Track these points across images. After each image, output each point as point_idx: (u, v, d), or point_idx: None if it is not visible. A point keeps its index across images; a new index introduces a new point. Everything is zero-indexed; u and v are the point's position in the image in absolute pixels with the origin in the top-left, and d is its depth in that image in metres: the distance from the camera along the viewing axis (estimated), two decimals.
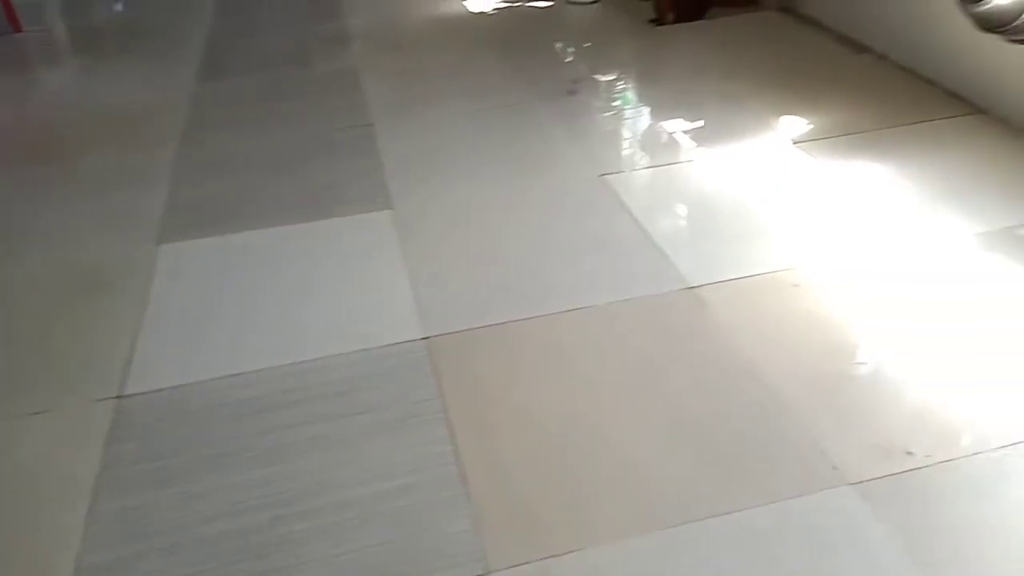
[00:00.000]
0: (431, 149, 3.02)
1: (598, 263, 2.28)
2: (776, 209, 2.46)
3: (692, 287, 2.14)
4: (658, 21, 4.05)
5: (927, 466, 1.56)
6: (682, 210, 2.58)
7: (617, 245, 2.36)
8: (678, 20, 4.03)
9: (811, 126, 2.92)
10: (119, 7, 5.47)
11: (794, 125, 2.95)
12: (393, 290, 2.22)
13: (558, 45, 4.05)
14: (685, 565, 1.42)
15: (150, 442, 1.79)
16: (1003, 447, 1.59)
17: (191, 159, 3.12)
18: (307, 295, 2.25)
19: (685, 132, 3.01)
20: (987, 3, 2.64)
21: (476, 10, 4.63)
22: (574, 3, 4.50)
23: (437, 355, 1.96)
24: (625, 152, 2.95)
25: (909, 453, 1.60)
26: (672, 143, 2.95)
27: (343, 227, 2.57)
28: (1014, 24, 2.63)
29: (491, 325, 2.05)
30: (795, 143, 2.82)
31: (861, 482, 1.54)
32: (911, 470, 1.56)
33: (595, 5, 4.47)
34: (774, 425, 1.70)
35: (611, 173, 2.74)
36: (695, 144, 2.91)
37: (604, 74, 3.64)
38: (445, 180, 2.79)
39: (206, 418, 1.84)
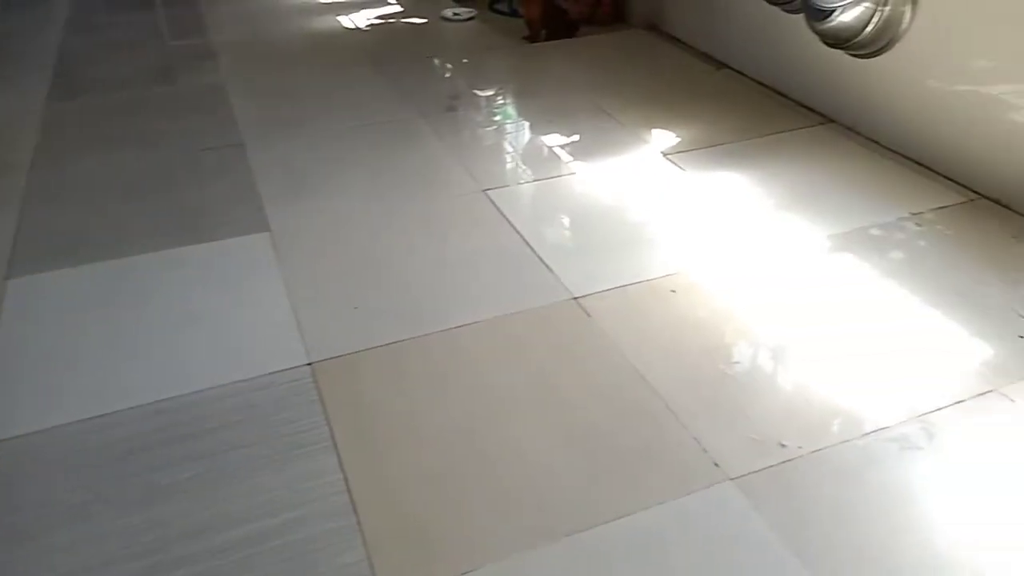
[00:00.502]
0: (307, 168, 2.94)
1: (485, 278, 2.29)
2: (651, 219, 2.56)
3: (577, 297, 2.18)
4: (531, 38, 4.14)
5: (799, 457, 1.66)
6: (564, 223, 2.63)
7: (502, 259, 2.38)
8: (550, 38, 4.13)
9: (679, 139, 3.06)
10: None
11: (663, 138, 3.08)
12: (274, 315, 2.14)
13: (435, 61, 4.05)
14: (582, 574, 1.44)
15: (5, 495, 1.63)
16: (867, 434, 1.71)
17: (44, 185, 2.90)
18: (180, 325, 2.13)
19: (563, 146, 3.08)
20: (832, 20, 2.86)
21: (349, 26, 4.57)
22: (449, 20, 4.53)
23: (323, 381, 1.90)
24: (506, 167, 2.98)
25: (782, 445, 1.69)
26: (551, 157, 3.01)
27: (216, 252, 2.45)
28: (857, 40, 2.87)
29: (378, 346, 2.01)
30: (665, 155, 2.95)
31: (741, 476, 1.62)
32: (785, 462, 1.65)
33: (470, 22, 4.51)
34: (660, 427, 1.75)
35: (494, 188, 2.76)
36: (573, 158, 2.98)
37: (482, 90, 3.68)
38: (324, 200, 2.72)
39: (69, 465, 1.70)
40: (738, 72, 3.61)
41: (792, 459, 1.66)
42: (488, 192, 2.73)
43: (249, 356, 1.99)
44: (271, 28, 4.59)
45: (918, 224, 2.45)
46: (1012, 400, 1.77)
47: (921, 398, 1.80)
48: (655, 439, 1.72)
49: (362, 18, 4.66)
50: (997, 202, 2.53)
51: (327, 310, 2.16)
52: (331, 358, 1.97)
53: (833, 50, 2.94)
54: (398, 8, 4.84)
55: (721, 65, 3.70)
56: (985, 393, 1.80)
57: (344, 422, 1.78)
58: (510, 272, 2.32)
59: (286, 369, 1.94)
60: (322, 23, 4.64)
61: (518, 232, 2.50)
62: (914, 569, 1.42)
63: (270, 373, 1.93)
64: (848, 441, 1.69)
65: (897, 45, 2.79)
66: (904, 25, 2.73)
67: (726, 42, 3.70)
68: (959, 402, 1.78)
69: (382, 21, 4.63)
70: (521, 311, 2.14)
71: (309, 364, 1.96)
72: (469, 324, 2.08)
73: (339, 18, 4.68)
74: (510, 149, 3.19)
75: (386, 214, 2.63)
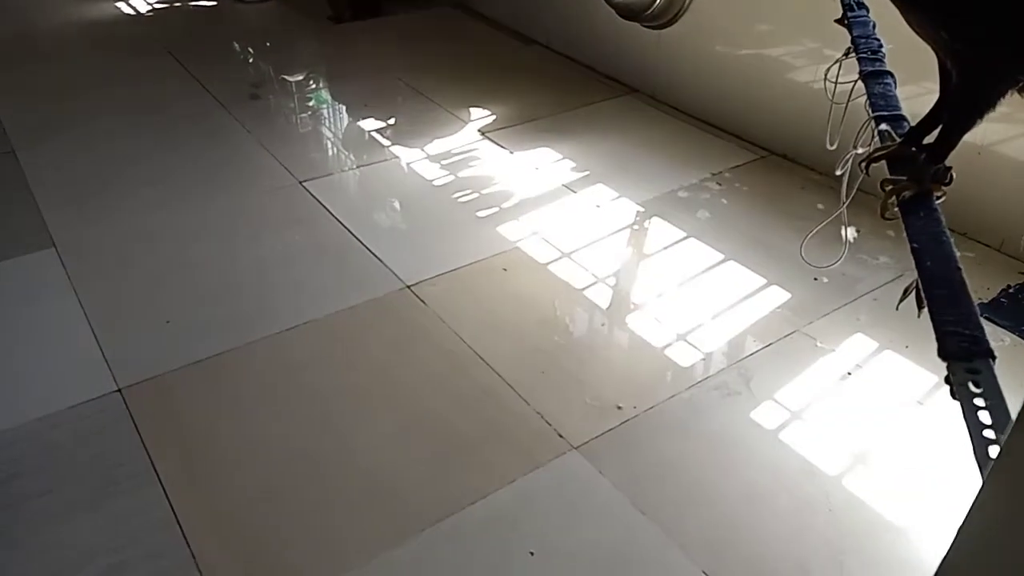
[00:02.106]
0: (94, 173, 2.66)
1: (310, 275, 2.19)
2: (476, 199, 2.56)
3: (410, 286, 2.14)
4: (336, 18, 3.98)
5: (635, 417, 1.74)
6: (389, 209, 2.57)
7: (327, 253, 2.29)
8: (356, 17, 4.00)
9: (495, 116, 3.08)
10: None
11: (480, 116, 3.09)
12: (71, 341, 1.93)
13: (233, 46, 3.80)
14: (444, 565, 1.43)
15: None
16: (693, 386, 1.82)
17: None
18: None
19: (380, 130, 3.00)
20: None
21: (130, 12, 4.17)
22: (242, 2, 4.25)
23: (136, 407, 1.74)
24: (323, 155, 2.86)
25: (619, 408, 1.76)
26: (369, 142, 2.93)
27: None
28: (649, 12, 3.02)
29: (196, 362, 1.87)
30: (483, 133, 2.96)
31: (584, 444, 1.67)
32: (623, 423, 1.73)
33: (265, 3, 4.26)
34: (504, 406, 1.77)
35: (311, 179, 2.64)
36: (392, 142, 2.91)
37: (288, 75, 3.49)
38: (116, 207, 2.47)
39: None
40: (545, 47, 3.68)
41: (629, 419, 1.74)
42: (306, 184, 2.61)
43: (46, 390, 1.78)
44: (38, 19, 4.09)
45: (719, 183, 2.64)
46: (813, 338, 1.96)
47: (736, 345, 1.95)
48: (500, 419, 1.74)
49: (144, 3, 4.27)
50: (784, 157, 2.77)
51: (134, 328, 1.97)
52: (143, 381, 1.80)
53: (629, 22, 3.08)
54: None
55: (529, 40, 3.76)
56: (790, 334, 1.97)
57: (165, 449, 1.64)
58: (337, 266, 2.23)
59: (92, 399, 1.75)
60: (99, 11, 4.20)
61: (342, 223, 2.41)
62: (743, 504, 1.54)
63: (72, 406, 1.74)
64: (676, 395, 1.80)
65: (686, 15, 2.97)
66: None
67: (533, 18, 3.76)
68: (768, 345, 1.94)
69: (167, 5, 4.26)
70: (352, 306, 2.07)
71: (118, 390, 1.78)
72: (296, 326, 1.98)
73: (118, 4, 4.25)
74: (326, 136, 3.06)
75: (193, 216, 2.44)
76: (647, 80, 3.23)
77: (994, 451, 0.57)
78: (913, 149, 0.99)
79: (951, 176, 0.91)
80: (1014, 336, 1.93)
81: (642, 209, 2.50)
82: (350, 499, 1.55)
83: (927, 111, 0.98)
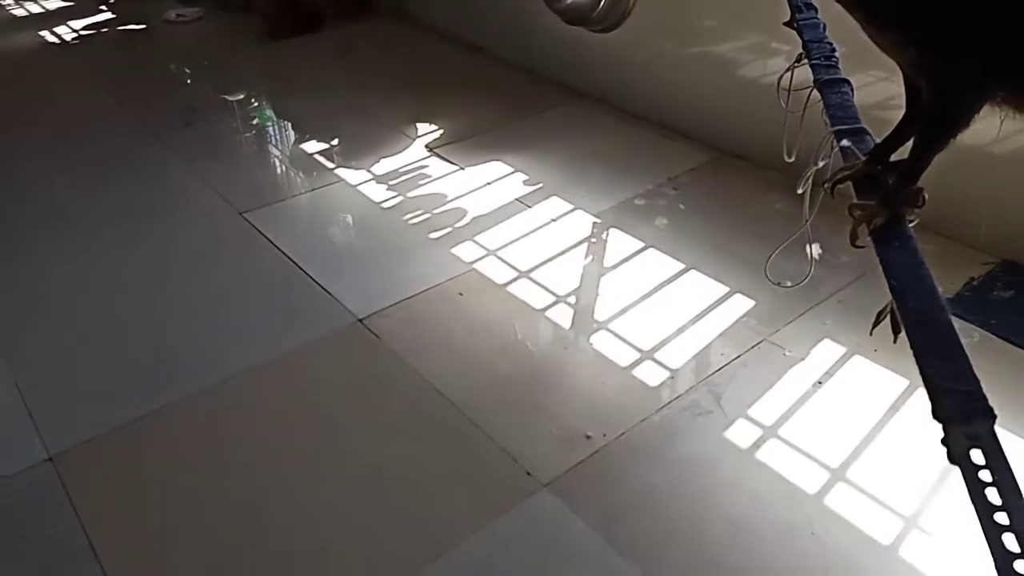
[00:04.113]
0: (12, 220, 2.49)
1: (254, 315, 2.07)
2: (428, 220, 2.46)
3: (361, 319, 2.04)
4: (272, 35, 3.84)
5: (605, 446, 1.66)
6: (337, 237, 2.46)
7: (273, 289, 2.17)
8: (293, 33, 3.86)
9: (442, 131, 2.98)
10: None
11: (427, 131, 2.99)
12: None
13: (166, 70, 3.64)
14: None
15: None
16: (662, 408, 1.75)
17: None
18: None
19: (323, 152, 2.88)
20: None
21: (54, 41, 3.97)
22: (172, 22, 4.08)
23: (70, 476, 1.60)
24: (264, 183, 2.73)
25: (588, 437, 1.68)
26: (311, 166, 2.81)
27: None
28: (593, 16, 2.95)
29: (132, 421, 1.73)
30: (431, 149, 2.86)
31: (554, 480, 1.58)
32: (593, 454, 1.65)
33: (197, 23, 4.10)
34: (468, 446, 1.67)
35: (252, 209, 2.51)
36: (335, 164, 2.80)
37: (225, 98, 3.36)
38: (39, 256, 2.32)
39: None
40: (492, 55, 3.59)
41: (599, 449, 1.66)
42: (246, 215, 2.48)
43: None
44: None
45: (675, 188, 2.58)
46: (781, 347, 1.90)
47: (704, 360, 1.88)
48: (464, 461, 1.64)
49: (69, 31, 4.07)
50: (739, 156, 2.73)
51: (65, 389, 1.84)
52: (76, 446, 1.67)
53: (575, 27, 3.00)
54: (110, 15, 4.29)
55: (474, 49, 3.66)
56: (757, 345, 1.91)
57: (103, 523, 1.51)
58: (283, 302, 2.12)
59: (21, 471, 1.61)
60: (20, 41, 4.00)
61: (286, 255, 2.29)
62: (724, 536, 1.47)
63: (1, 478, 1.60)
64: (646, 419, 1.72)
65: (631, 17, 2.90)
66: None
67: (476, 25, 3.67)
68: (736, 358, 1.88)
69: (94, 32, 4.07)
70: (301, 346, 1.95)
71: (50, 459, 1.64)
72: (239, 374, 1.86)
73: (41, 33, 4.05)
74: (266, 161, 2.94)
75: (123, 261, 2.29)
76: (596, 85, 3.16)
77: (1009, 540, 0.50)
78: (879, 168, 0.92)
79: (924, 198, 0.85)
80: (983, 331, 1.89)
81: (599, 220, 2.43)
82: (305, 568, 1.44)
83: (893, 127, 0.91)
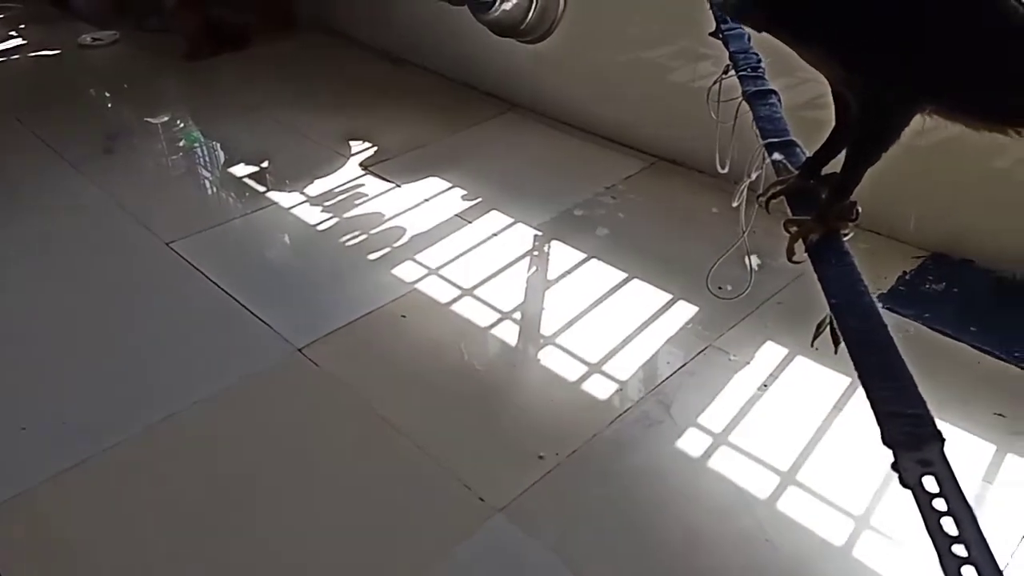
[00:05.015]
0: None
1: (186, 351, 1.98)
2: (365, 241, 2.41)
3: (301, 348, 1.97)
4: (191, 56, 3.71)
5: (558, 465, 1.64)
6: (270, 264, 2.39)
7: (205, 322, 2.08)
8: (215, 52, 3.75)
9: (375, 147, 2.93)
10: None
11: (360, 149, 2.93)
12: None
13: (82, 97, 3.49)
14: None
15: None
16: (613, 422, 1.74)
17: None
18: None
19: (253, 175, 2.79)
20: (495, 11, 2.89)
21: None
22: (88, 46, 3.91)
23: None
24: (190, 210, 2.63)
25: (540, 457, 1.66)
26: (241, 190, 2.72)
27: None
28: (522, 27, 2.93)
29: (59, 473, 1.63)
30: (365, 167, 2.80)
31: (508, 504, 1.55)
32: (546, 474, 1.62)
33: (114, 46, 3.94)
34: (418, 474, 1.63)
35: (179, 238, 2.41)
36: (266, 187, 2.71)
37: (145, 123, 3.23)
38: None
39: None
40: (421, 67, 3.55)
41: (552, 469, 1.63)
42: (173, 244, 2.38)
43: None
44: None
45: (613, 197, 2.58)
46: (726, 352, 1.91)
47: (652, 370, 1.88)
48: (415, 490, 1.60)
49: None
50: (673, 162, 2.75)
51: None
52: (6, 500, 1.56)
53: (504, 39, 2.99)
54: (21, 41, 4.09)
55: (401, 61, 3.61)
56: (703, 351, 1.92)
57: None
58: (217, 335, 2.03)
59: None
60: None
61: (217, 285, 2.20)
62: (682, 547, 1.47)
63: None
64: (598, 434, 1.71)
65: (560, 26, 2.90)
66: (562, 6, 2.84)
67: (403, 37, 3.62)
68: (683, 365, 1.88)
69: (4, 59, 3.87)
70: (240, 379, 1.88)
71: None
72: (176, 413, 1.77)
73: None
74: (193, 187, 2.84)
75: (41, 300, 2.17)
76: (529, 95, 3.15)
77: (969, 573, 0.49)
78: (811, 182, 0.92)
79: (857, 211, 0.85)
80: (917, 325, 1.94)
81: (539, 233, 2.41)
82: None
83: (823, 140, 0.91)
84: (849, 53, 0.70)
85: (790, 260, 0.86)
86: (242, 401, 1.83)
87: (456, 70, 3.41)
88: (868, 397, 0.64)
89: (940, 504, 0.54)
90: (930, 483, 0.55)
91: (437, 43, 3.46)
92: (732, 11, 0.84)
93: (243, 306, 2.12)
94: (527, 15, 2.79)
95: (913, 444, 0.58)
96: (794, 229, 0.86)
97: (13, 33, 4.18)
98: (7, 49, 3.99)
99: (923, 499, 0.54)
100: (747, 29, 1.26)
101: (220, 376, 1.88)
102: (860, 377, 0.65)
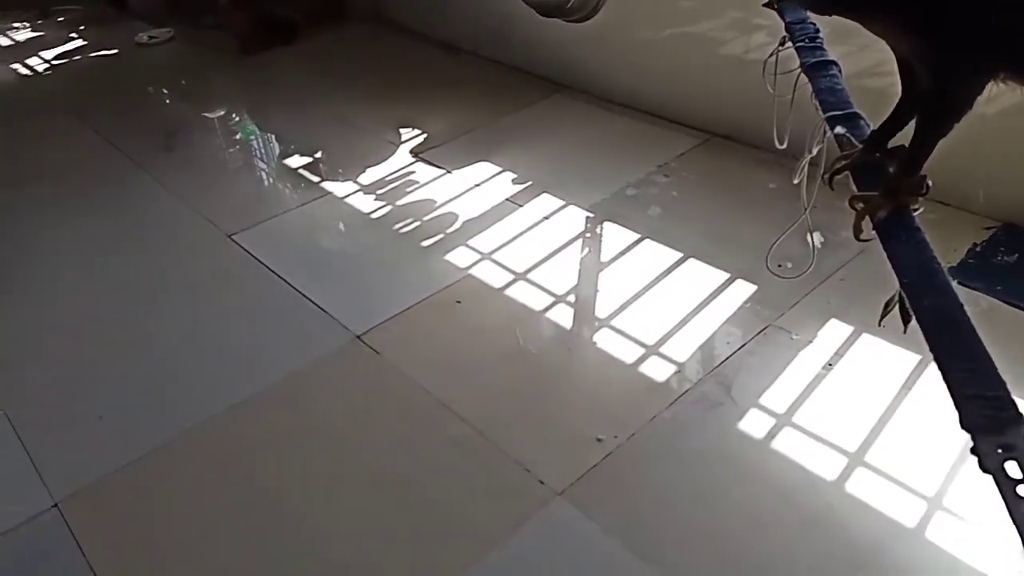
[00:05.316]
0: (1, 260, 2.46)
1: (250, 340, 2.04)
2: (419, 228, 2.43)
3: (360, 335, 2.00)
4: (245, 51, 3.78)
5: (617, 448, 1.63)
6: (328, 253, 2.43)
7: (267, 312, 2.13)
8: (268, 46, 3.81)
9: (427, 134, 2.94)
10: None
11: (411, 136, 2.95)
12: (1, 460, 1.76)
13: (140, 95, 3.59)
14: None
15: None
16: (672, 404, 1.72)
17: None
18: None
19: (307, 166, 2.84)
20: None
21: (26, 73, 3.92)
22: (145, 45, 4.02)
23: (76, 521, 1.58)
24: (250, 203, 2.69)
25: (599, 440, 1.65)
26: (297, 181, 2.77)
27: None
28: (568, 6, 2.89)
29: (135, 460, 1.70)
30: (417, 154, 2.82)
31: (568, 487, 1.56)
32: (606, 457, 1.62)
33: (169, 43, 4.04)
34: (478, 459, 1.65)
35: (240, 230, 2.47)
36: (321, 177, 2.76)
37: (203, 120, 3.31)
38: (24, 293, 2.28)
39: None
40: (469, 53, 3.54)
41: (611, 452, 1.63)
42: (234, 236, 2.44)
43: None
44: None
45: (666, 175, 2.54)
46: (787, 331, 1.87)
47: (710, 350, 1.85)
48: (476, 475, 1.62)
49: (40, 61, 4.01)
50: (727, 138, 2.69)
51: (65, 431, 1.80)
52: (80, 491, 1.64)
53: (552, 19, 2.95)
54: (81, 42, 4.23)
55: (452, 48, 3.61)
56: (763, 330, 1.88)
57: (113, 568, 1.48)
58: (279, 325, 2.08)
59: (24, 522, 1.58)
60: None
61: (279, 275, 2.26)
62: (745, 531, 1.45)
63: (5, 532, 1.57)
64: (657, 416, 1.70)
65: (606, 3, 2.85)
66: None
67: (452, 25, 3.61)
68: (742, 346, 1.85)
69: (66, 60, 4.01)
70: (300, 368, 1.92)
71: (55, 505, 1.61)
72: (242, 401, 1.83)
73: (12, 66, 3.99)
74: (251, 180, 2.90)
75: (111, 293, 2.25)
76: (577, 75, 3.12)
77: None
78: (877, 155, 0.89)
79: (928, 185, 0.82)
80: (989, 298, 1.86)
81: (591, 214, 2.39)
82: None
83: (888, 112, 0.87)
84: (922, 23, 0.67)
85: (857, 238, 0.84)
86: (307, 386, 1.87)
87: (503, 55, 3.39)
88: (945, 379, 0.61)
89: (1023, 490, 0.52)
90: (1013, 468, 0.53)
91: (484, 29, 3.44)
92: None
93: (303, 295, 2.16)
94: None
95: (994, 428, 0.55)
96: (860, 206, 0.83)
97: (73, 34, 4.32)
98: (69, 51, 4.12)
99: (1006, 485, 0.52)
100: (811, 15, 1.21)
101: (283, 363, 1.93)
102: (936, 359, 0.63)
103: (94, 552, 1.52)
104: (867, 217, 0.82)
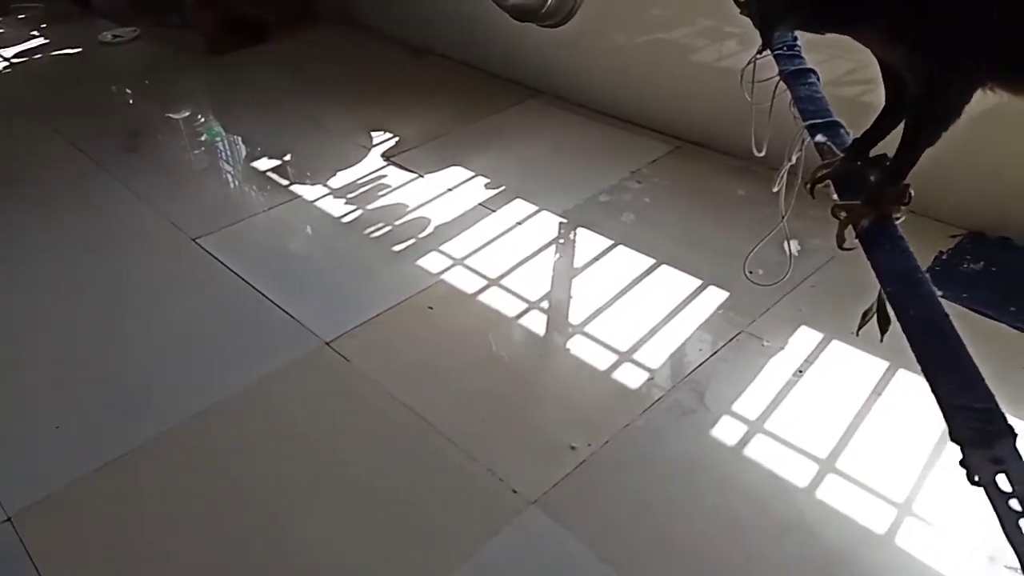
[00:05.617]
0: None
1: (215, 346, 1.98)
2: (390, 233, 2.39)
3: (328, 342, 1.97)
4: (213, 50, 3.71)
5: (591, 456, 1.62)
6: (296, 258, 2.38)
7: (232, 317, 2.08)
8: (237, 46, 3.74)
9: (398, 138, 2.91)
10: None
11: (382, 140, 2.91)
12: None
13: (103, 95, 3.50)
14: None
15: None
16: (645, 411, 1.71)
17: None
18: None
19: (275, 169, 2.79)
20: None
21: None
22: (109, 43, 3.93)
23: (29, 535, 1.51)
24: (215, 206, 2.63)
25: (572, 448, 1.64)
26: (265, 183, 2.71)
27: None
28: (542, 11, 2.89)
29: (93, 471, 1.64)
30: (388, 158, 2.79)
31: (542, 496, 1.54)
32: (579, 465, 1.60)
33: (134, 43, 3.95)
34: (450, 467, 1.62)
35: (205, 234, 2.42)
36: (290, 180, 2.71)
37: (169, 120, 3.24)
38: None
39: None
40: (441, 56, 3.52)
41: (585, 460, 1.61)
42: (199, 240, 2.38)
43: None
44: None
45: (639, 181, 2.54)
46: (759, 337, 1.88)
47: (683, 357, 1.85)
48: (448, 483, 1.59)
49: (0, 60, 3.91)
50: (698, 144, 2.70)
51: (18, 441, 1.73)
52: (36, 503, 1.58)
53: (525, 24, 2.94)
54: (43, 41, 4.11)
55: (424, 52, 3.58)
56: (735, 337, 1.89)
57: None
58: (245, 331, 2.03)
59: None
60: None
61: (245, 280, 2.20)
62: (722, 540, 1.44)
63: None
64: (630, 424, 1.69)
65: (580, 10, 2.85)
66: None
67: (425, 27, 3.59)
68: (715, 352, 1.85)
69: (26, 59, 3.90)
70: (269, 374, 1.88)
71: (8, 520, 1.55)
72: (206, 410, 1.78)
73: None
74: (217, 182, 2.84)
75: (71, 299, 2.18)
76: (550, 80, 3.11)
77: None
78: (859, 163, 0.89)
79: (910, 195, 0.82)
80: (956, 306, 1.89)
81: (565, 220, 2.38)
82: None
83: (872, 120, 0.87)
84: (912, 32, 0.66)
85: (840, 247, 0.83)
86: (275, 393, 1.83)
87: (476, 59, 3.38)
88: (933, 391, 0.61)
89: (1015, 504, 0.51)
90: (1004, 482, 0.52)
91: (456, 32, 3.42)
92: (786, 26, 0.78)
93: (270, 300, 2.12)
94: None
95: (984, 441, 0.55)
96: (843, 214, 0.82)
97: (35, 32, 4.21)
98: (30, 48, 4.01)
99: (998, 499, 0.52)
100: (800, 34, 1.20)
101: (249, 370, 1.88)
102: (923, 369, 0.63)
103: (49, 568, 1.46)
104: (850, 225, 0.82)
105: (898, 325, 0.86)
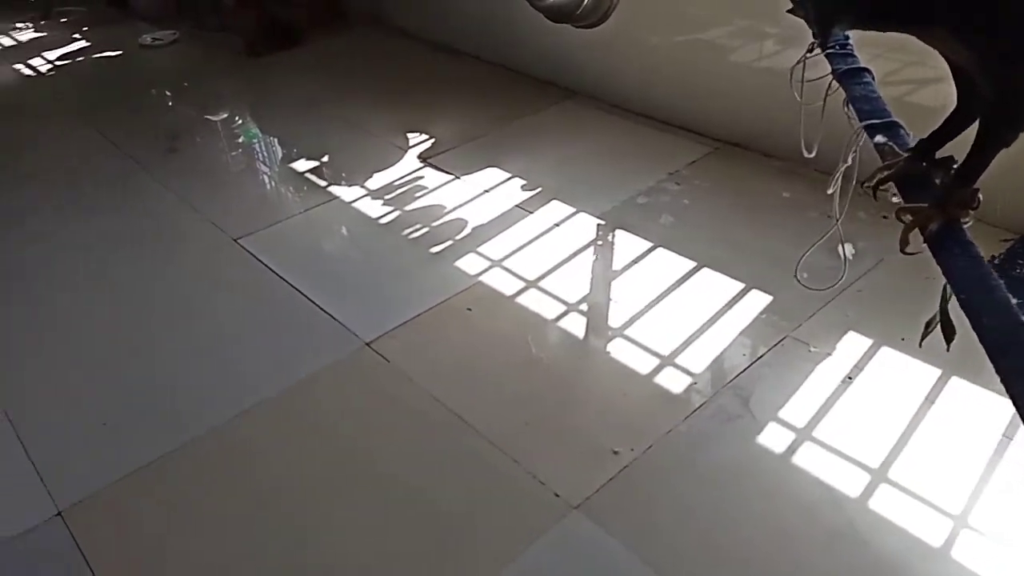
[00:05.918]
0: (1, 260, 2.42)
1: (257, 347, 2.00)
2: (428, 234, 2.39)
3: (368, 343, 1.97)
4: (252, 53, 3.75)
5: (634, 461, 1.60)
6: (336, 258, 2.40)
7: (274, 318, 2.10)
8: (273, 49, 3.78)
9: (434, 139, 2.91)
10: None
11: (418, 141, 2.92)
12: (2, 461, 1.71)
13: (144, 97, 3.56)
14: None
15: None
16: (688, 416, 1.69)
17: None
18: None
19: (314, 170, 2.81)
20: None
21: (29, 73, 3.88)
22: (149, 46, 3.99)
23: (80, 531, 1.54)
24: (256, 207, 2.65)
25: (615, 452, 1.62)
26: (303, 184, 2.73)
27: None
28: (578, 13, 2.87)
29: (139, 468, 1.66)
30: (424, 160, 2.79)
31: (585, 501, 1.52)
32: (622, 470, 1.59)
33: (173, 45, 4.01)
34: (491, 471, 1.61)
35: (246, 235, 2.44)
36: (328, 181, 2.73)
37: (207, 122, 3.28)
38: (28, 298, 2.24)
39: None
40: (475, 57, 3.52)
41: (628, 465, 1.60)
42: (240, 241, 2.41)
43: None
44: None
45: (677, 183, 2.52)
46: (805, 343, 1.84)
47: (727, 362, 1.83)
48: (489, 487, 1.58)
49: (44, 62, 3.98)
50: (738, 145, 2.66)
51: (68, 438, 1.76)
52: (85, 499, 1.60)
53: (560, 25, 2.93)
54: (85, 43, 4.20)
55: (459, 53, 3.59)
56: (780, 342, 1.85)
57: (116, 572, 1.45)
58: (286, 331, 2.05)
59: (26, 531, 1.54)
60: None
61: (286, 281, 2.22)
62: (769, 547, 1.42)
63: (10, 539, 1.53)
64: (673, 429, 1.67)
65: (616, 10, 2.83)
66: None
67: (459, 29, 3.59)
68: (760, 357, 1.82)
69: (69, 61, 3.98)
70: (308, 376, 1.88)
71: (59, 514, 1.58)
72: (246, 410, 1.79)
73: (15, 66, 3.96)
74: (256, 183, 2.87)
75: (119, 298, 2.22)
76: (586, 81, 3.09)
77: None
78: (924, 165, 0.86)
79: (979, 199, 0.79)
80: None
81: (603, 222, 2.36)
82: None
83: (942, 121, 0.85)
84: (984, 32, 0.64)
85: (903, 251, 0.81)
86: (315, 394, 1.84)
87: (512, 59, 3.37)
88: (1015, 404, 0.58)
89: None
90: None
91: (493, 34, 3.42)
92: (844, 25, 0.76)
93: (311, 301, 2.13)
94: (583, 0, 2.73)
95: None
96: (908, 218, 0.80)
97: (76, 35, 4.29)
98: (72, 51, 4.09)
99: None
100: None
101: (292, 370, 1.89)
102: (1004, 382, 0.60)
103: (99, 562, 1.48)
104: (915, 230, 0.79)
105: (962, 335, 0.83)
